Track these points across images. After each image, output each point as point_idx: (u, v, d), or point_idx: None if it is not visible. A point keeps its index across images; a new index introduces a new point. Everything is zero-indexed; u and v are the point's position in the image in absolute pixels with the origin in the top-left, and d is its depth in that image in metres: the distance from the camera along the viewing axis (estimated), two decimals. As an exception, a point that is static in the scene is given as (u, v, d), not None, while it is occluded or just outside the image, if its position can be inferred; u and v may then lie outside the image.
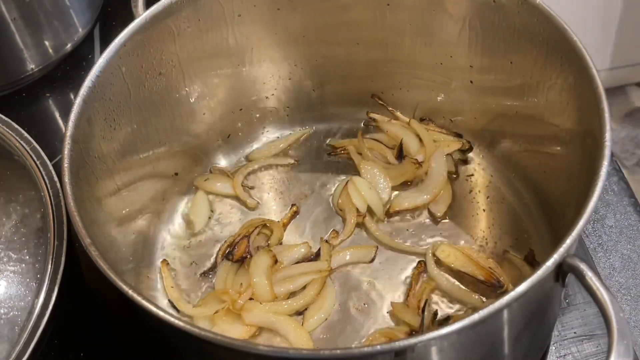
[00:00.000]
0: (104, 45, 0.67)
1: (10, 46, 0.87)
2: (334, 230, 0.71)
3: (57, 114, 0.88)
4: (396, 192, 0.73)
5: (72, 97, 0.60)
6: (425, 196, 0.72)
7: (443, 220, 0.71)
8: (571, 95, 0.61)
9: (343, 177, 0.75)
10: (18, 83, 0.91)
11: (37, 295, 0.56)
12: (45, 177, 0.61)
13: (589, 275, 0.50)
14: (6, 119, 0.64)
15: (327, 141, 0.78)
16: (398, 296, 0.66)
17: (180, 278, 0.70)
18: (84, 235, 0.53)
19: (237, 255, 0.69)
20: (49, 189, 0.60)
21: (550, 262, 0.49)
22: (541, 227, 0.66)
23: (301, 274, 0.67)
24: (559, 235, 0.64)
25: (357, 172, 0.75)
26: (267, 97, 0.77)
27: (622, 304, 0.71)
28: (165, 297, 0.68)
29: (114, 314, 0.73)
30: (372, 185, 0.73)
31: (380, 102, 0.78)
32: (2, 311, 0.62)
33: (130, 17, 0.65)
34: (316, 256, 0.69)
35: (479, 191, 0.73)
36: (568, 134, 0.63)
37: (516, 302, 0.48)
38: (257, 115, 0.78)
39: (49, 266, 0.56)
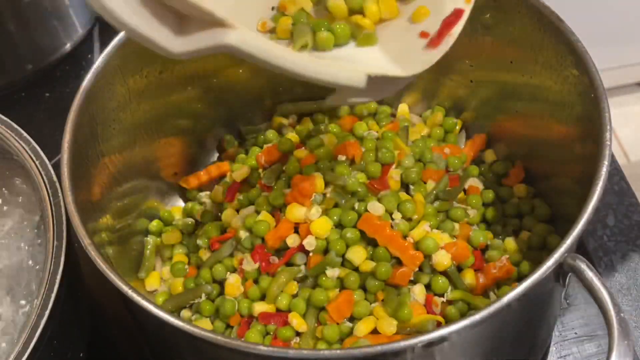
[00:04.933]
0: (104, 45, 0.67)
1: (10, 46, 0.87)
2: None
3: (56, 114, 0.88)
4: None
5: (71, 97, 0.60)
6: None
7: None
8: (571, 95, 0.61)
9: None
10: (18, 83, 0.91)
11: (36, 295, 0.56)
12: (44, 177, 0.61)
13: (590, 275, 0.50)
14: (5, 119, 0.64)
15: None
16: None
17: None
18: (84, 235, 0.53)
19: None
20: (48, 189, 0.60)
21: (551, 262, 0.49)
22: (541, 226, 0.66)
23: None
24: (559, 235, 0.64)
25: None
26: (266, 97, 0.77)
27: (623, 304, 0.71)
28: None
29: (114, 314, 0.73)
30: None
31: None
32: (1, 311, 0.62)
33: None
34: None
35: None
36: (568, 134, 0.63)
37: (516, 302, 0.48)
38: (258, 114, 0.78)
39: (49, 266, 0.56)
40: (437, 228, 0.64)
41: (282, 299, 0.60)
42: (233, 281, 0.63)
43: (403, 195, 0.65)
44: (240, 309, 0.62)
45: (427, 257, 0.61)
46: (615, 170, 0.79)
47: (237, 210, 0.69)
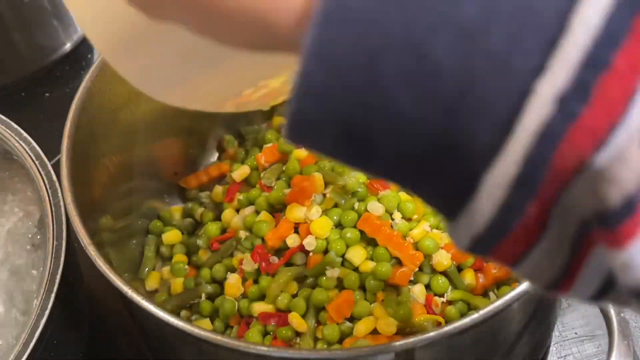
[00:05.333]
0: (104, 44, 0.66)
1: (9, 46, 0.87)
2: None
3: (56, 114, 0.87)
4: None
5: (71, 97, 0.60)
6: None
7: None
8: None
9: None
10: (17, 83, 0.91)
11: (36, 296, 0.56)
12: (44, 177, 0.61)
13: (590, 275, 0.50)
14: (5, 119, 0.64)
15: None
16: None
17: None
18: (84, 235, 0.53)
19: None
20: (48, 189, 0.60)
21: (551, 262, 0.49)
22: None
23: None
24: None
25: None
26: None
27: (623, 304, 0.71)
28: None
29: (114, 314, 0.73)
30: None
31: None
32: (1, 311, 0.62)
33: (130, 17, 0.64)
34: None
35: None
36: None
37: (516, 302, 0.48)
38: (258, 114, 0.78)
39: (49, 266, 0.56)
40: (437, 228, 0.64)
41: (282, 299, 0.60)
42: (233, 281, 0.63)
43: (403, 195, 0.65)
44: (240, 309, 0.62)
45: (427, 257, 0.61)
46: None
47: (237, 210, 0.69)
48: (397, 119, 0.24)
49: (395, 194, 0.64)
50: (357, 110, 0.24)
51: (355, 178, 0.64)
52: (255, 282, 0.63)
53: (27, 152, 0.62)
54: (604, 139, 0.22)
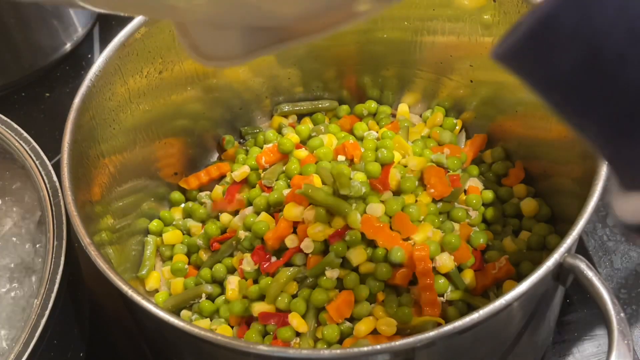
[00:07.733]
0: (104, 44, 0.67)
1: (10, 46, 0.87)
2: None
3: (56, 114, 0.88)
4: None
5: (71, 97, 0.60)
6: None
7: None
8: (571, 94, 0.61)
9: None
10: (18, 83, 0.91)
11: (36, 295, 0.56)
12: (44, 177, 0.61)
13: (590, 274, 0.50)
14: (5, 119, 0.64)
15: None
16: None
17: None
18: (84, 235, 0.53)
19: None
20: (48, 188, 0.60)
21: (551, 262, 0.49)
22: (541, 226, 0.66)
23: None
24: (559, 235, 0.64)
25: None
26: (266, 97, 0.77)
27: (623, 303, 0.71)
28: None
29: (114, 314, 0.73)
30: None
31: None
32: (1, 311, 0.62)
33: (130, 17, 0.65)
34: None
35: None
36: (568, 134, 0.63)
37: (516, 302, 0.48)
38: (258, 114, 0.78)
39: (49, 266, 0.56)
40: (438, 228, 0.64)
41: (282, 299, 0.60)
42: (234, 286, 0.63)
43: (408, 197, 0.65)
44: (240, 309, 0.62)
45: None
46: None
47: (237, 210, 0.69)
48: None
49: (399, 198, 0.64)
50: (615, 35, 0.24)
51: (359, 185, 0.64)
52: (255, 282, 0.63)
53: (27, 152, 0.62)
54: None
